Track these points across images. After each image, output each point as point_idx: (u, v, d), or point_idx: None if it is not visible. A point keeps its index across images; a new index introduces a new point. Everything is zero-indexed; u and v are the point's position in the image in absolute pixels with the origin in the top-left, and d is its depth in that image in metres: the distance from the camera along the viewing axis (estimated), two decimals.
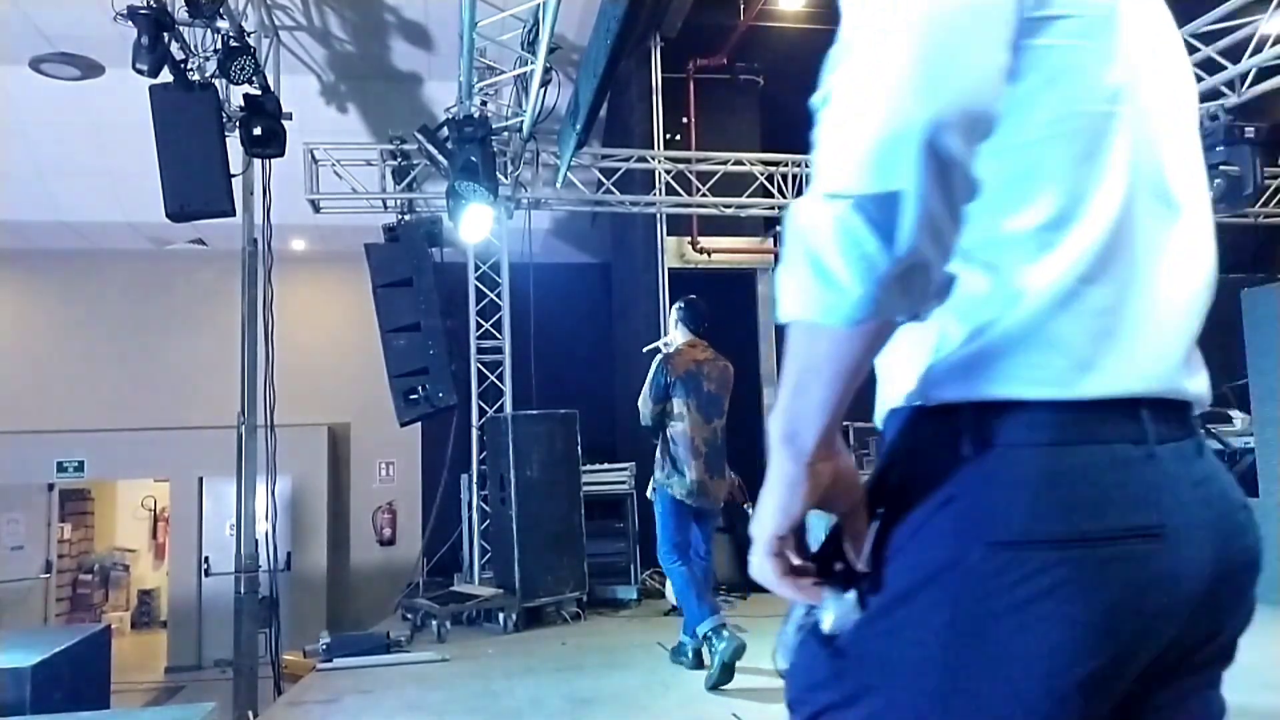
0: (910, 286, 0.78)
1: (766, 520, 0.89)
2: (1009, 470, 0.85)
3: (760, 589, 0.93)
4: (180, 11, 5.39)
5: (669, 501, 4.91)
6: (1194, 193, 0.99)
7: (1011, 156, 0.87)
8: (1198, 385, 0.96)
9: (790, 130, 9.45)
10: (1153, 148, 0.94)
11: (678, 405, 4.86)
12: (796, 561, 0.91)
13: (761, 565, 0.91)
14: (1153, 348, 0.91)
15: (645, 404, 4.91)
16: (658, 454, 4.95)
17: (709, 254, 8.81)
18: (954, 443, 0.88)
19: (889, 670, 0.88)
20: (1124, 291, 0.89)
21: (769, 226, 8.91)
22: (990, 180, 0.82)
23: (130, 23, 5.07)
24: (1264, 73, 6.15)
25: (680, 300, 5.19)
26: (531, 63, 6.32)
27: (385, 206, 8.36)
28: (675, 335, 5.09)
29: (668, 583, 5.56)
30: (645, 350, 5.34)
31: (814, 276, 0.78)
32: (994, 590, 0.83)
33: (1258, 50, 5.95)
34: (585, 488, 7.59)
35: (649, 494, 5.15)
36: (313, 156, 8.01)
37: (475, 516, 8.23)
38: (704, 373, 4.93)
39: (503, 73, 7.08)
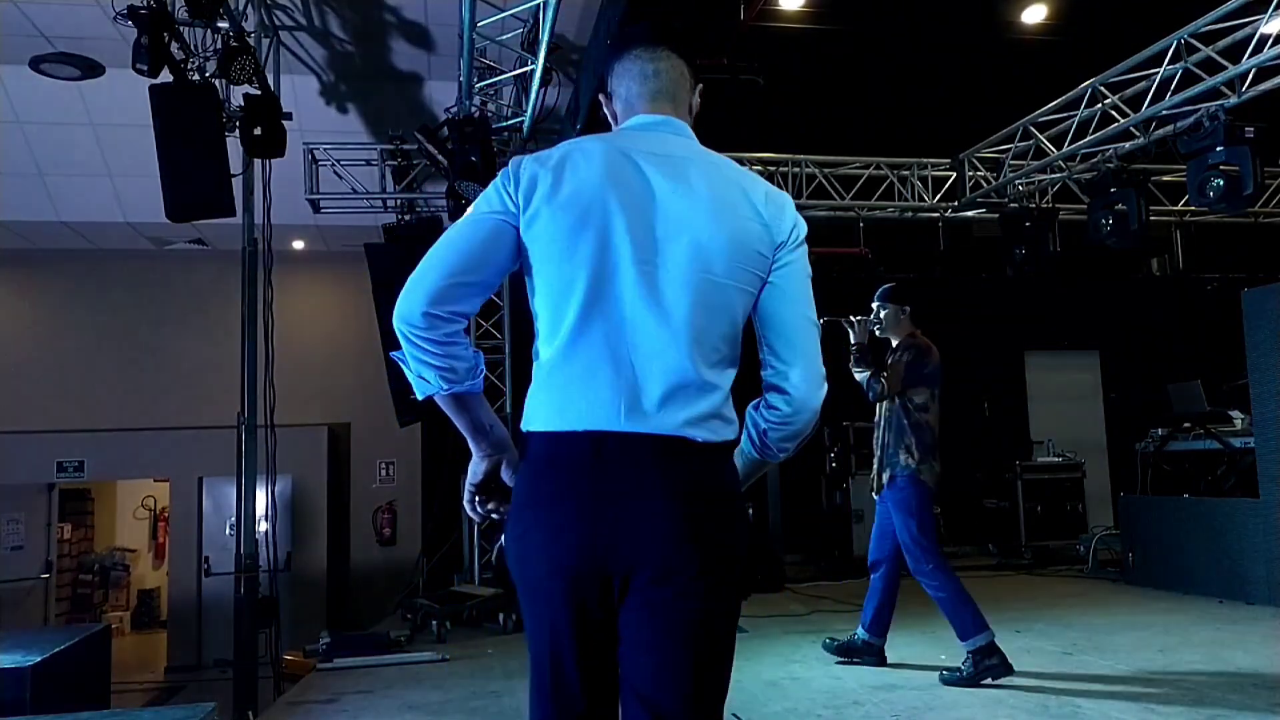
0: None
1: (469, 480, 1.70)
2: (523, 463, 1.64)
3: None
4: (180, 11, 5.39)
5: (926, 491, 4.55)
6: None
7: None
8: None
9: (790, 130, 9.46)
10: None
11: (925, 393, 4.64)
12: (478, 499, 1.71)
13: (469, 504, 1.71)
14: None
15: (882, 383, 4.60)
16: (896, 438, 4.61)
17: None
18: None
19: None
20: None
21: None
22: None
23: (130, 23, 5.07)
24: (1264, 73, 6.15)
25: (886, 288, 4.91)
26: (531, 63, 6.32)
27: (385, 206, 8.36)
28: (903, 323, 4.81)
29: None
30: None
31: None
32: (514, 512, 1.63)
33: (1258, 50, 5.95)
34: None
35: (880, 487, 4.70)
36: (313, 156, 8.02)
37: None
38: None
39: (503, 73, 7.08)
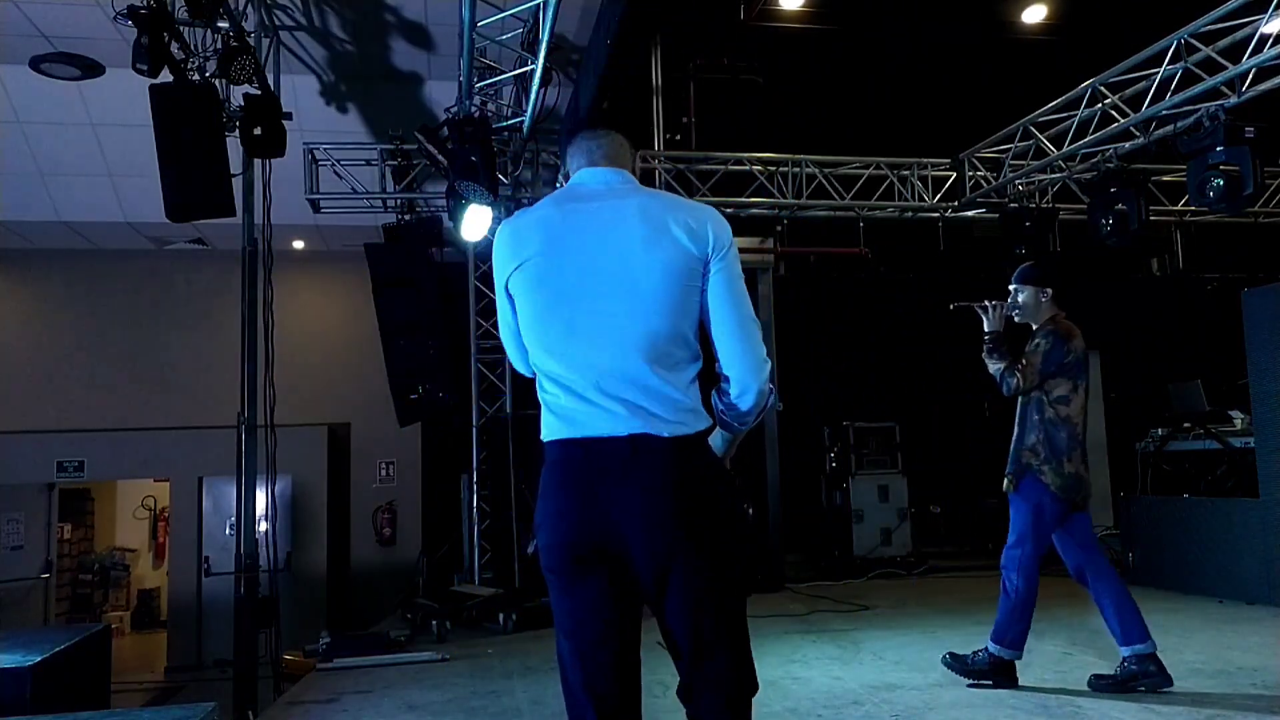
0: None
1: None
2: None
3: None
4: (180, 11, 5.39)
5: (1049, 498, 4.17)
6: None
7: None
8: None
9: (790, 130, 9.47)
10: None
11: (1065, 385, 4.18)
12: None
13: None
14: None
15: (1019, 376, 4.18)
16: (1023, 435, 4.25)
17: None
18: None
19: None
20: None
21: (770, 226, 8.91)
22: None
23: (130, 23, 5.06)
24: (1264, 73, 6.14)
25: (1026, 268, 4.42)
26: (531, 63, 6.32)
27: (385, 206, 8.36)
28: (1045, 307, 4.32)
29: None
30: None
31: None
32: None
33: (1258, 50, 5.94)
34: None
35: (1007, 483, 4.31)
36: (313, 156, 8.02)
37: (475, 516, 8.23)
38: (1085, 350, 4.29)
39: (503, 73, 7.08)
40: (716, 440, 2.00)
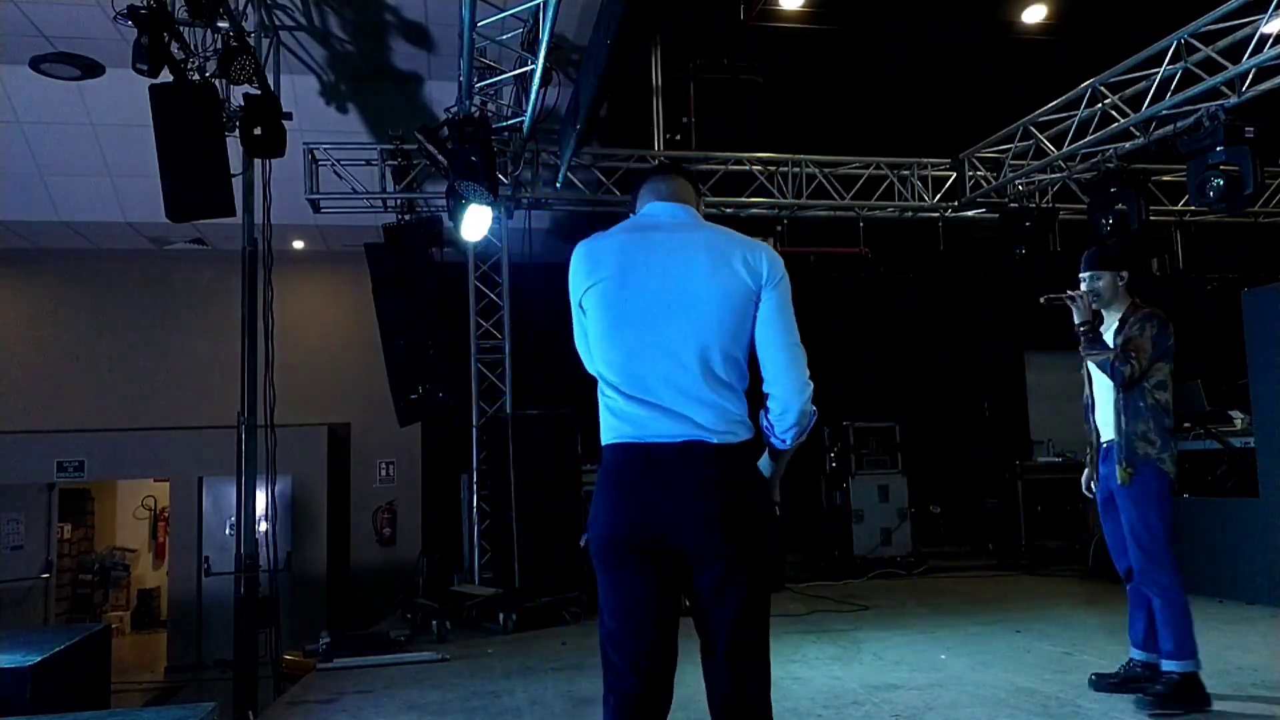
0: None
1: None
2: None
3: None
4: (180, 11, 5.39)
5: (1169, 484, 3.95)
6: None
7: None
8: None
9: (790, 130, 9.47)
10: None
11: (1164, 370, 4.01)
12: None
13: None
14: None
15: (1133, 363, 3.92)
16: (1132, 424, 3.97)
17: None
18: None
19: None
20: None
21: (770, 226, 8.91)
22: None
23: (130, 23, 5.06)
24: (1264, 73, 6.14)
25: (1098, 252, 4.24)
26: (531, 63, 6.32)
27: (385, 206, 8.36)
28: (1122, 291, 4.15)
29: None
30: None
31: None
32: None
33: (1258, 50, 5.94)
34: (585, 488, 7.59)
35: (1123, 475, 3.95)
36: (313, 156, 8.02)
37: (475, 516, 8.23)
38: None
39: (503, 73, 7.08)
40: (765, 464, 2.20)
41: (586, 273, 2.16)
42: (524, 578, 7.01)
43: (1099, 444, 4.17)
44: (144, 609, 13.59)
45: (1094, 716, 3.83)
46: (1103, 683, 4.18)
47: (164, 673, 10.54)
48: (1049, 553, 8.96)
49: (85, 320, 10.73)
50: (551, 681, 4.96)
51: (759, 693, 2.05)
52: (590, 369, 2.24)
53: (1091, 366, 4.17)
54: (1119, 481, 3.96)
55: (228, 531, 10.26)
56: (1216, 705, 3.82)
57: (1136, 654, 4.10)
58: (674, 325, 2.09)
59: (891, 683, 4.54)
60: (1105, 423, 4.12)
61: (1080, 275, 4.21)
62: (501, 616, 6.71)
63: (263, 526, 6.58)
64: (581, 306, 2.19)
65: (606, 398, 2.14)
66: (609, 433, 2.12)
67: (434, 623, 6.60)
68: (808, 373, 2.15)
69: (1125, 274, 4.15)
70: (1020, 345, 10.91)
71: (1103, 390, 4.14)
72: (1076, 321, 4.09)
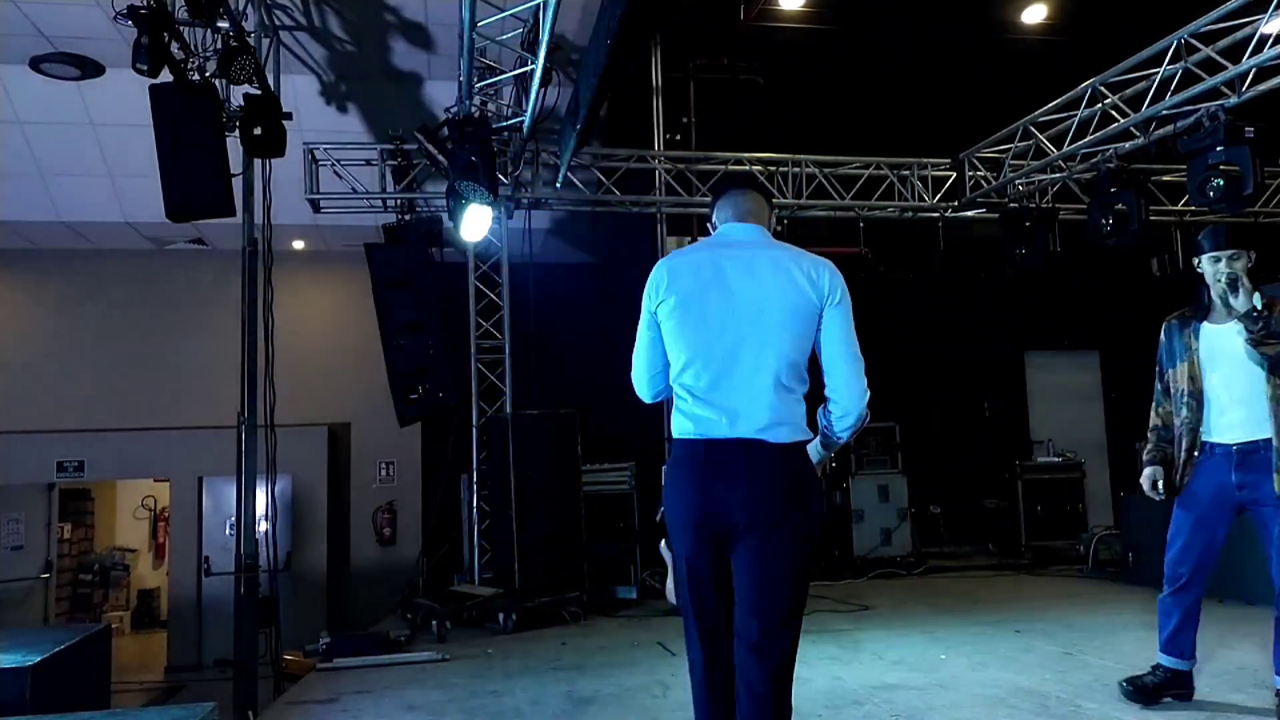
0: None
1: None
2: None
3: None
4: (180, 11, 5.38)
5: None
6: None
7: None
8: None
9: (790, 130, 9.47)
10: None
11: None
12: None
13: None
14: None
15: None
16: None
17: None
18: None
19: None
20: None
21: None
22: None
23: (130, 23, 5.05)
24: (1264, 73, 6.14)
25: (1224, 231, 3.83)
26: (531, 63, 6.32)
27: (385, 206, 8.36)
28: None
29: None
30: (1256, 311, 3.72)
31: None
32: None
33: (1258, 50, 5.94)
34: (585, 488, 7.60)
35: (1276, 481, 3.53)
36: (313, 156, 8.01)
37: (475, 516, 8.23)
38: None
39: (503, 73, 7.08)
40: (815, 449, 2.44)
41: (667, 286, 2.41)
42: (524, 578, 7.01)
43: (1217, 445, 3.72)
44: (144, 609, 13.58)
45: (1093, 716, 3.83)
46: (1132, 689, 3.93)
47: (164, 673, 10.54)
48: (1049, 553, 8.96)
49: (85, 320, 10.73)
50: (551, 681, 4.96)
51: (785, 654, 2.36)
52: (640, 386, 2.51)
53: (1215, 354, 3.75)
54: (1278, 491, 3.51)
55: (228, 531, 10.26)
56: (1218, 706, 3.82)
57: (1179, 664, 3.87)
58: (744, 335, 2.34)
59: (891, 683, 4.54)
60: (1244, 422, 3.66)
61: (1213, 255, 3.74)
62: (501, 616, 6.71)
63: (263, 526, 6.57)
64: (655, 317, 2.43)
65: (680, 399, 2.41)
66: (680, 429, 2.40)
67: (434, 623, 6.61)
68: (865, 380, 2.42)
69: (1252, 253, 3.73)
70: (1020, 345, 10.92)
71: (1239, 384, 3.67)
72: (1239, 312, 3.59)
